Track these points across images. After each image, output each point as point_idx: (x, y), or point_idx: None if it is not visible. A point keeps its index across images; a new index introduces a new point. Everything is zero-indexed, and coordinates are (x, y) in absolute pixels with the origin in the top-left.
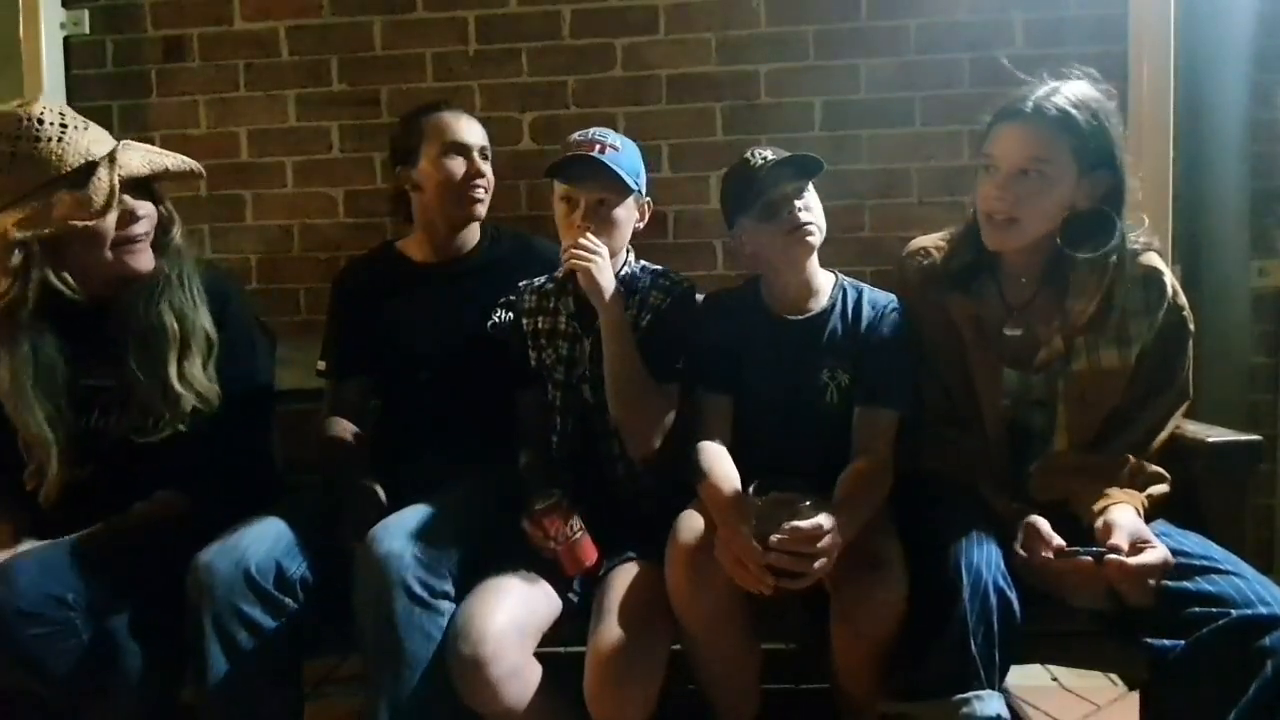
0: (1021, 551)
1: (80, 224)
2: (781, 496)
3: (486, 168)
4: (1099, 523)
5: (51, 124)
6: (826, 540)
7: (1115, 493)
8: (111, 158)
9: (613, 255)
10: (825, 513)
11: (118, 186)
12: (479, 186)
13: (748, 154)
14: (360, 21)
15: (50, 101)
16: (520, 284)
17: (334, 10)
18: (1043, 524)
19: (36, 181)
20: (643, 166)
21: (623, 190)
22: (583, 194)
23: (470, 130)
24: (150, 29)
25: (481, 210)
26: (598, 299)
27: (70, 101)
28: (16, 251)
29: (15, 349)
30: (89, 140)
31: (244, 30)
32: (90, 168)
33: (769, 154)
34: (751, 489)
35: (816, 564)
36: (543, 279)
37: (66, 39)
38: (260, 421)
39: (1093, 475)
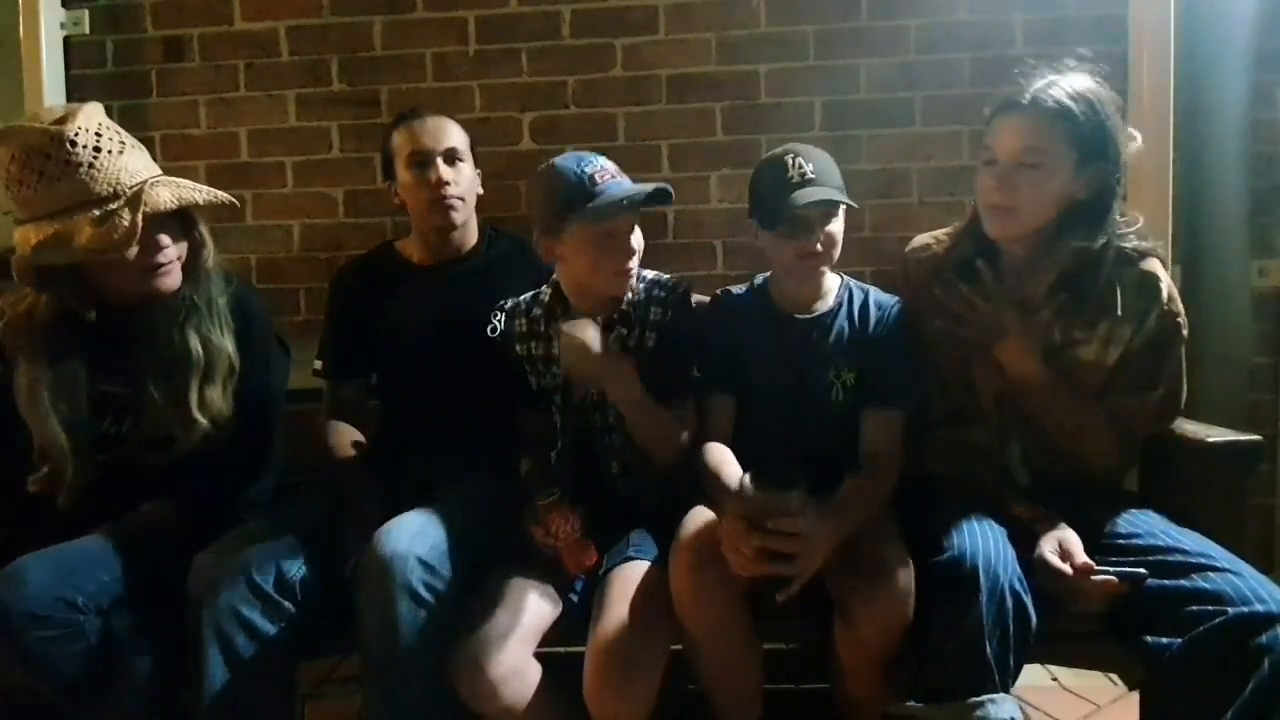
0: (1055, 561)
1: (99, 257)
2: (773, 495)
3: (453, 172)
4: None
5: (84, 146)
6: (804, 525)
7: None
8: (137, 197)
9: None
10: (809, 500)
11: (139, 225)
12: (445, 195)
13: (788, 158)
14: (360, 21)
15: (89, 119)
16: (507, 305)
17: (334, 10)
18: (1073, 541)
19: (62, 204)
20: None
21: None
22: (627, 223)
23: (433, 136)
24: (150, 29)
25: (457, 217)
26: (616, 392)
27: (70, 102)
28: (38, 272)
29: (35, 357)
30: (120, 168)
31: (244, 30)
32: (116, 199)
33: (809, 169)
34: (747, 477)
35: (800, 547)
36: (528, 298)
37: (66, 39)
38: (264, 439)
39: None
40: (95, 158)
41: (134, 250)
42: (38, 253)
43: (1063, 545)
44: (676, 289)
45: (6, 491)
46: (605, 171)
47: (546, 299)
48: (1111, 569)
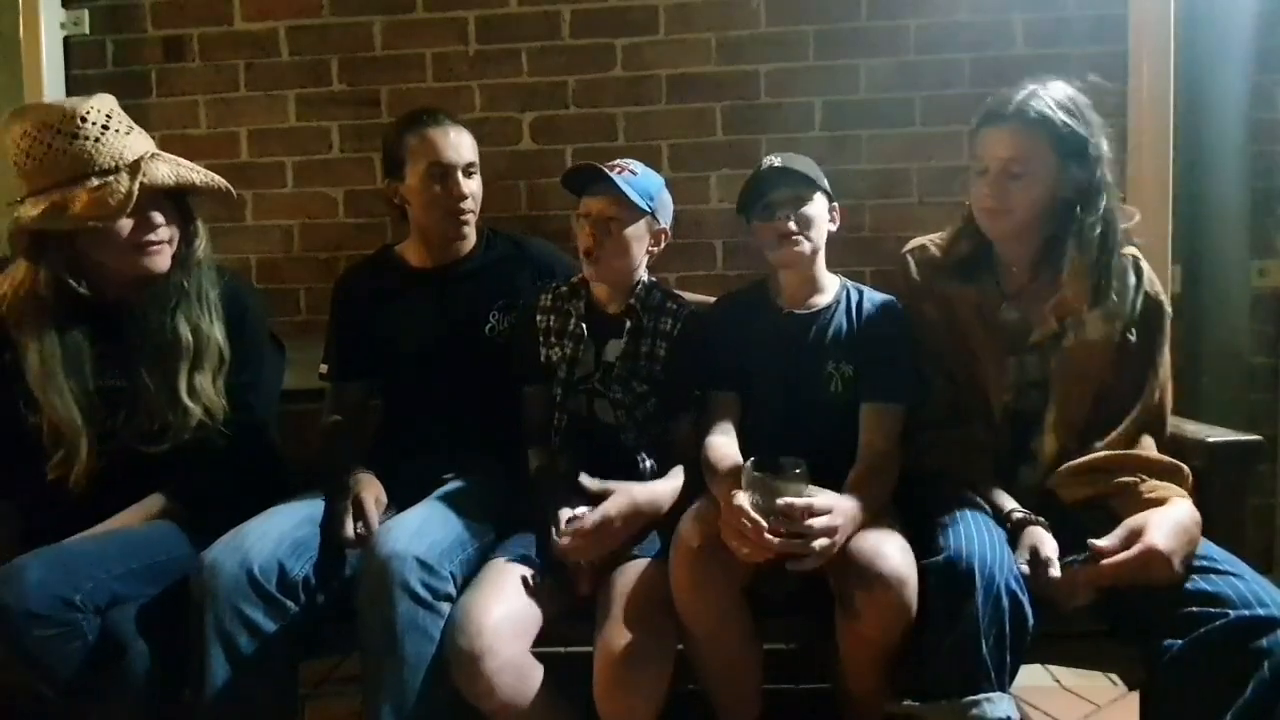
0: (1024, 568)
1: (93, 224)
2: (777, 478)
3: (471, 185)
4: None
5: (94, 124)
6: (824, 501)
7: (1163, 487)
8: (136, 166)
9: (621, 276)
10: (809, 481)
11: (135, 193)
12: (464, 209)
13: (765, 158)
14: (360, 21)
15: (103, 103)
16: (539, 285)
17: (334, 10)
18: (1047, 544)
19: (65, 177)
20: (665, 196)
21: (632, 210)
22: (594, 206)
23: (455, 148)
24: (150, 29)
25: (469, 230)
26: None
27: None
28: (31, 242)
29: (42, 335)
30: (124, 145)
31: (244, 30)
32: (116, 171)
33: (778, 161)
34: (749, 464)
35: (816, 524)
36: (562, 278)
37: (66, 39)
38: (259, 436)
39: (1116, 470)
40: (102, 134)
41: (127, 224)
42: (36, 221)
43: (1034, 551)
44: (686, 308)
45: (23, 480)
46: (608, 164)
47: (576, 279)
48: (1071, 559)
